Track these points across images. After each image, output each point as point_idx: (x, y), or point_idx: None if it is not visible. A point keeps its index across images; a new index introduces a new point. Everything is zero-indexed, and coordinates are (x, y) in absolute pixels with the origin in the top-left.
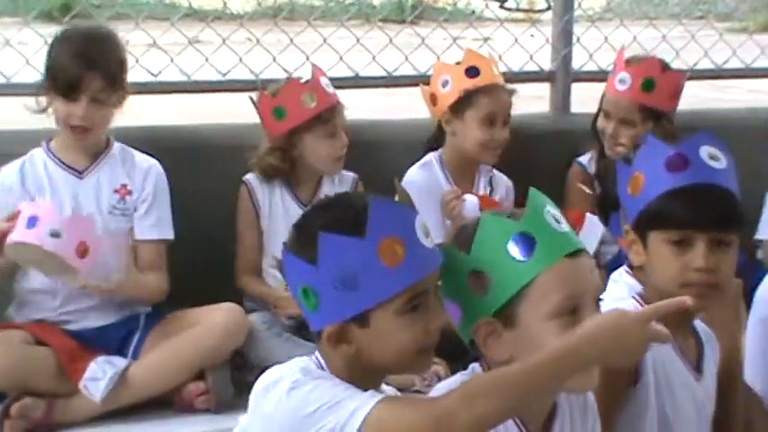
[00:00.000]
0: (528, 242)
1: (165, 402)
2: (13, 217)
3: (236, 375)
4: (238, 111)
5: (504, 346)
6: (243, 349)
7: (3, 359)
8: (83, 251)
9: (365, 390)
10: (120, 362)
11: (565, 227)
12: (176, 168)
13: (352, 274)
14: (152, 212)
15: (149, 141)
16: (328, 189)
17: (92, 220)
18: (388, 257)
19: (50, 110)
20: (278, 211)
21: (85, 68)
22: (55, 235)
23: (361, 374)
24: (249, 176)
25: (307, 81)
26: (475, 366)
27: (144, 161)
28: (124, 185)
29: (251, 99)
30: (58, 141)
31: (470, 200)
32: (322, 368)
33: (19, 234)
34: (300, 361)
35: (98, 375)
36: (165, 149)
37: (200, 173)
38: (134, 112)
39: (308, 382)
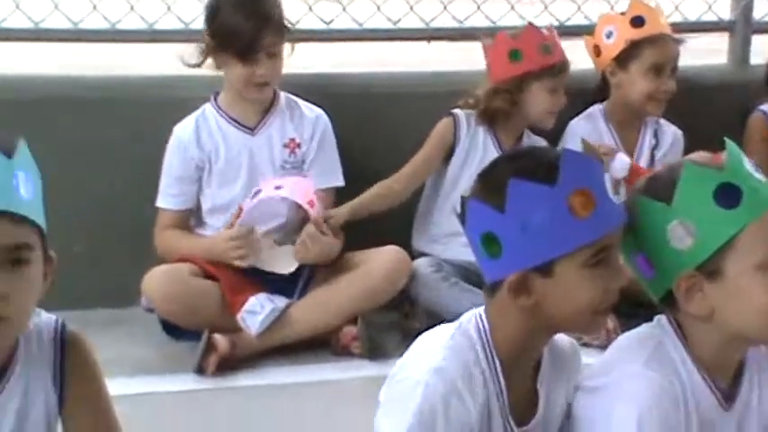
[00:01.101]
0: (734, 192)
1: (322, 345)
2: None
3: (402, 322)
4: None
5: (706, 301)
6: (410, 294)
7: (168, 287)
8: (311, 203)
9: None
10: (280, 300)
11: (764, 177)
12: (343, 116)
13: (540, 221)
14: (319, 161)
15: (316, 89)
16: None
17: (309, 180)
18: (578, 208)
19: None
20: (475, 154)
21: (260, 27)
22: (278, 188)
23: (531, 331)
24: (458, 112)
25: (547, 31)
26: (661, 318)
27: (310, 111)
28: (292, 139)
29: (482, 44)
30: (227, 97)
31: (621, 159)
32: (483, 332)
33: (248, 204)
34: (441, 355)
35: (257, 309)
36: (332, 96)
37: (367, 120)
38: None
39: (415, 399)
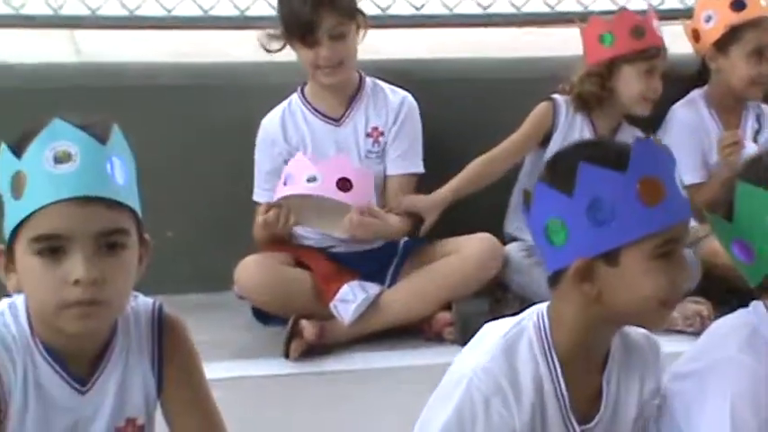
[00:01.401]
0: None
1: (413, 331)
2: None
3: (495, 308)
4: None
5: None
6: (502, 280)
7: (261, 276)
8: (345, 186)
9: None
10: (372, 288)
11: None
12: (435, 102)
13: (609, 207)
14: (398, 145)
15: (408, 75)
16: (626, 135)
17: (346, 157)
18: (647, 196)
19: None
20: (572, 141)
21: (317, 9)
22: (311, 180)
23: (593, 324)
24: (557, 97)
25: (643, 15)
26: (757, 304)
27: (394, 95)
28: (375, 128)
29: (579, 28)
30: (312, 88)
31: (751, 146)
32: (543, 329)
33: (278, 192)
34: (491, 352)
35: (349, 298)
36: (424, 82)
37: (460, 107)
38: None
39: (459, 396)
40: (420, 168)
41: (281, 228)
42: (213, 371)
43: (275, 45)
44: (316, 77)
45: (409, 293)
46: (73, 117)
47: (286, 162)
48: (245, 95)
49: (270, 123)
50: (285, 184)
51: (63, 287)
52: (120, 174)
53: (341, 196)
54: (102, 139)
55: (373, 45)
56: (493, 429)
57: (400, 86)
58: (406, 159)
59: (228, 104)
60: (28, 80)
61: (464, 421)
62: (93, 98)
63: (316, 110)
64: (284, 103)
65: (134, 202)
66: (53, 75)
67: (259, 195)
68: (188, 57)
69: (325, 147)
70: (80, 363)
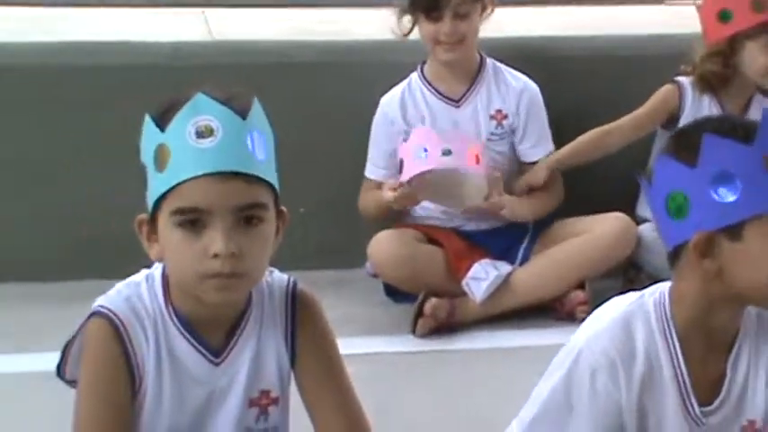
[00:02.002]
0: None
1: (546, 310)
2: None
3: (627, 287)
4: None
5: None
6: (635, 260)
7: (394, 251)
8: (476, 160)
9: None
10: (504, 266)
11: None
12: (559, 80)
13: (734, 179)
14: (531, 134)
15: (534, 53)
16: (756, 112)
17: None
18: None
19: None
20: None
21: None
22: (446, 153)
23: (713, 302)
24: (682, 79)
25: None
26: None
27: (516, 80)
28: (499, 110)
29: (695, 6)
30: (432, 67)
31: None
32: (662, 306)
33: (417, 167)
34: (606, 326)
35: (481, 276)
36: (550, 60)
37: (585, 83)
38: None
39: (568, 378)
40: (552, 148)
41: (411, 205)
42: (343, 347)
43: (404, 22)
44: (435, 54)
45: (542, 272)
46: (215, 91)
47: (405, 140)
48: (371, 73)
49: (389, 103)
50: (419, 156)
51: (203, 259)
52: (259, 148)
53: (473, 170)
54: (243, 113)
55: (496, 23)
56: (598, 402)
57: (522, 65)
58: (539, 146)
59: (355, 82)
60: (165, 58)
61: (570, 390)
62: (227, 76)
63: (436, 90)
64: (404, 83)
65: (272, 177)
66: (189, 53)
67: (372, 172)
68: (315, 35)
69: (444, 127)
70: (214, 334)
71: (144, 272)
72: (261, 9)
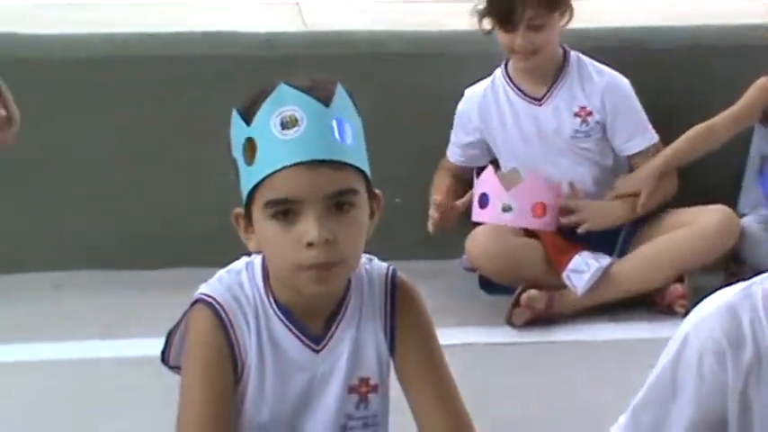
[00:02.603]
0: None
1: (645, 303)
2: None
3: (729, 281)
4: None
5: None
6: (737, 253)
7: (492, 244)
8: (540, 211)
9: None
10: (604, 258)
11: None
12: (654, 71)
13: None
14: (621, 129)
15: (632, 44)
16: None
17: (541, 178)
18: None
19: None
20: None
21: None
22: (507, 209)
23: None
24: None
25: None
26: None
27: (599, 76)
28: (583, 107)
29: None
30: (514, 66)
31: None
32: None
33: (477, 215)
34: (713, 311)
35: (582, 268)
36: (648, 52)
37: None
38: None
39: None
40: (653, 137)
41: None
42: (439, 337)
43: (483, 24)
44: (512, 59)
45: (643, 264)
46: (298, 80)
47: (481, 137)
48: (462, 63)
49: (471, 98)
50: (480, 205)
51: (298, 249)
52: (344, 134)
53: (536, 224)
54: (326, 101)
55: (589, 13)
56: (703, 385)
57: (619, 57)
58: (635, 138)
59: (447, 72)
60: (259, 48)
61: (676, 374)
62: (320, 66)
63: (518, 88)
64: (489, 79)
65: (360, 161)
66: (282, 43)
67: (450, 152)
68: (407, 26)
69: (526, 127)
70: (314, 321)
71: (244, 259)
72: (353, 0)
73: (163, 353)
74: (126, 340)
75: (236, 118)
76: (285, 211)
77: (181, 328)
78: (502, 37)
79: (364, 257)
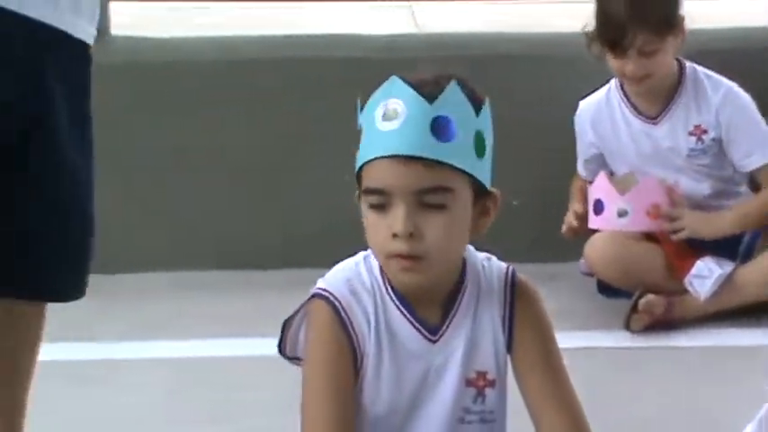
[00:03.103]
0: None
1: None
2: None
3: None
4: None
5: None
6: None
7: (610, 249)
8: (656, 214)
9: None
10: (727, 264)
11: None
12: None
13: None
14: (739, 144)
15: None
16: None
17: (655, 179)
18: None
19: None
20: None
21: (633, 24)
22: (622, 214)
23: None
24: None
25: None
26: None
27: (714, 91)
28: (697, 126)
29: None
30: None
31: None
32: None
33: (593, 222)
34: None
35: (704, 273)
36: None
37: None
38: None
39: None
40: None
41: None
42: (559, 340)
43: (593, 48)
44: (624, 83)
45: (766, 269)
46: (417, 75)
47: (597, 151)
48: (576, 65)
49: (585, 111)
50: (595, 212)
51: (388, 238)
52: (445, 132)
53: (653, 226)
54: (431, 98)
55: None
56: None
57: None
58: (754, 153)
59: (561, 74)
60: (379, 51)
61: None
62: (437, 68)
63: (633, 105)
64: (603, 91)
65: (463, 161)
66: (401, 46)
67: (580, 167)
68: (516, 28)
69: (642, 143)
70: (430, 310)
71: (362, 254)
72: (463, 2)
73: (279, 343)
74: (252, 339)
75: (358, 106)
76: (380, 200)
77: (297, 319)
78: (612, 62)
79: (483, 255)
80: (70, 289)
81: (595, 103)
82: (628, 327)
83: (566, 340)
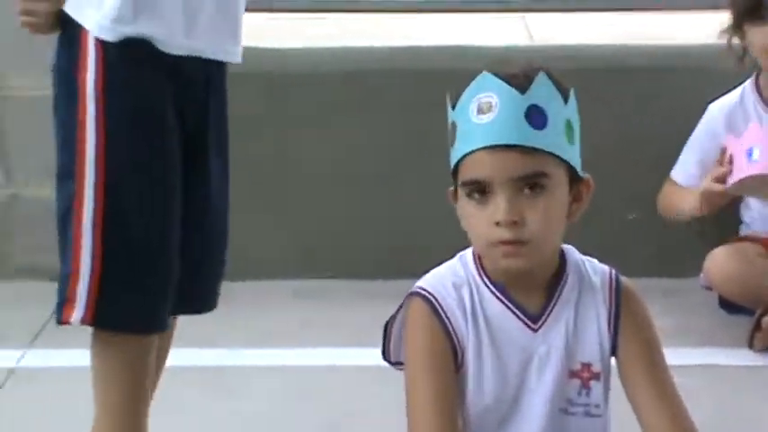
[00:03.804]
0: None
1: None
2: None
3: None
4: None
5: None
6: None
7: (731, 266)
8: None
9: None
10: None
11: None
12: None
13: None
14: None
15: None
16: None
17: None
18: None
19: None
20: None
21: None
22: None
23: None
24: None
25: None
26: None
27: None
28: None
29: None
30: (765, 80)
31: None
32: None
33: (747, 169)
34: None
35: None
36: None
37: None
38: None
39: None
40: None
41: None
42: (676, 357)
43: (734, 48)
44: (765, 62)
45: None
46: (507, 69)
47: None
48: (701, 78)
49: (716, 113)
50: (750, 158)
51: (490, 227)
52: (539, 120)
53: None
54: (522, 88)
55: None
56: None
57: None
58: None
59: (680, 87)
60: (497, 62)
61: None
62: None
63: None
64: (736, 93)
65: (556, 147)
66: (512, 57)
67: (678, 175)
68: (635, 39)
69: None
70: (530, 298)
71: (459, 254)
72: (578, 13)
73: (383, 348)
74: (366, 348)
75: (448, 104)
76: (480, 190)
77: (397, 320)
78: (755, 36)
79: (582, 255)
80: (217, 301)
81: (728, 106)
82: (751, 345)
83: (687, 357)
